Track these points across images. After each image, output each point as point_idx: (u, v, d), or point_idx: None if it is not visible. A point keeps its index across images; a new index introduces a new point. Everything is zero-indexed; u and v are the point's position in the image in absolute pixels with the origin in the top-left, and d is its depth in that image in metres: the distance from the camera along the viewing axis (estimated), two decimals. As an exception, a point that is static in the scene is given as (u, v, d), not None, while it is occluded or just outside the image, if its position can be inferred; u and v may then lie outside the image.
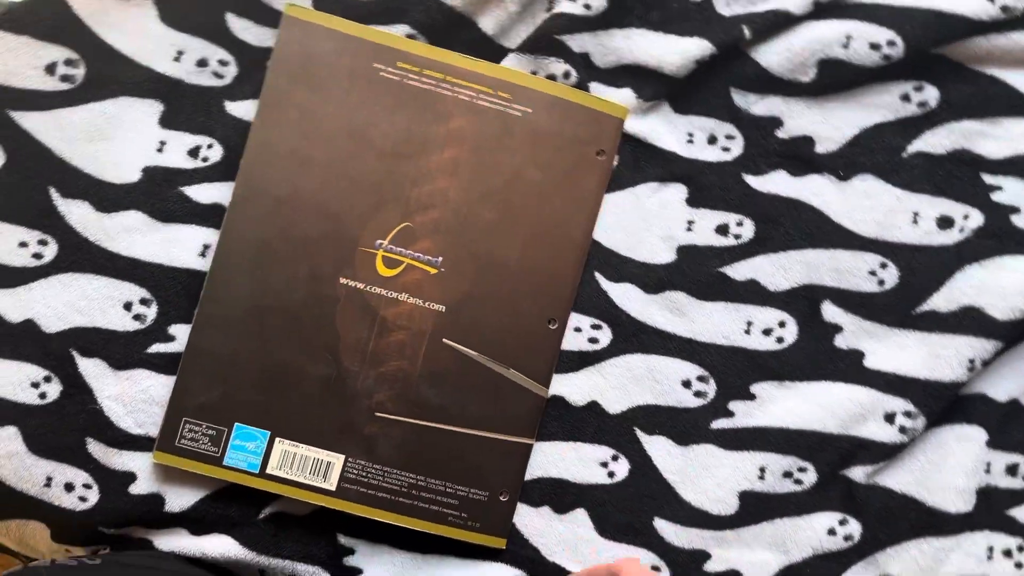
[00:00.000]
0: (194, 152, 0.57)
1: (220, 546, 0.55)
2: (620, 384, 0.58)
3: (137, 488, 0.56)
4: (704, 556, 0.58)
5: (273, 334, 0.55)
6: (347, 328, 0.56)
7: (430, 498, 0.56)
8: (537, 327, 0.57)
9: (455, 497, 0.56)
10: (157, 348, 0.56)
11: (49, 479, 0.55)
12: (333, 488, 0.55)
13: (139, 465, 0.56)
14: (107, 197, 0.57)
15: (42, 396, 0.56)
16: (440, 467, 0.56)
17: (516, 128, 0.57)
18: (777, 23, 0.58)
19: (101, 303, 0.56)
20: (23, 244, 0.56)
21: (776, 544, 0.58)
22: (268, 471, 0.55)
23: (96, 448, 0.56)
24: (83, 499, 0.55)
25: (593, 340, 0.59)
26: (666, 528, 0.58)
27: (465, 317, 0.57)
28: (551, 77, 0.58)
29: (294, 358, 0.55)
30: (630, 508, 0.58)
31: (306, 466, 0.55)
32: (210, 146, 0.58)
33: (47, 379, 0.56)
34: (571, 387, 0.58)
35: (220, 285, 0.55)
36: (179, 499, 0.56)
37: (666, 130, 0.59)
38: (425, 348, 0.56)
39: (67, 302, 0.56)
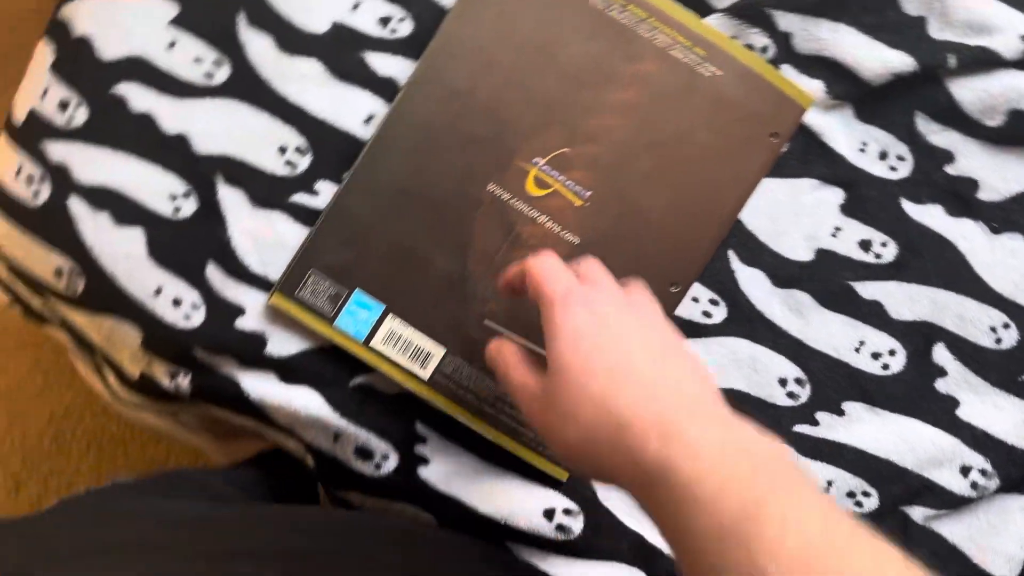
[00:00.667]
0: (385, 21, 0.58)
1: (305, 398, 0.56)
2: (720, 363, 0.59)
3: (243, 323, 0.57)
4: (749, 545, 0.59)
5: (413, 218, 0.56)
6: (482, 233, 0.57)
7: (512, 414, 0.57)
8: (659, 286, 0.57)
9: (536, 420, 0.58)
10: (300, 198, 0.57)
11: (159, 289, 0.56)
12: (426, 377, 0.57)
13: (250, 302, 0.57)
14: (291, 39, 0.57)
15: (176, 210, 0.57)
16: (529, 388, 0.57)
17: (701, 87, 0.57)
18: (983, 61, 0.57)
19: (258, 139, 0.57)
20: (198, 60, 0.57)
21: (819, 555, 0.59)
22: (372, 344, 0.56)
23: (214, 274, 0.57)
24: (187, 317, 0.56)
25: (707, 314, 0.59)
26: (721, 509, 0.59)
27: (595, 255, 0.57)
28: (749, 47, 0.58)
29: (426, 246, 0.56)
30: (692, 480, 0.59)
31: (408, 349, 0.57)
32: (402, 19, 0.58)
33: (186, 195, 0.57)
34: (671, 351, 0.59)
35: (377, 157, 0.56)
36: (281, 345, 0.57)
37: (843, 132, 0.59)
38: (548, 273, 0.57)
39: (225, 128, 0.57)
